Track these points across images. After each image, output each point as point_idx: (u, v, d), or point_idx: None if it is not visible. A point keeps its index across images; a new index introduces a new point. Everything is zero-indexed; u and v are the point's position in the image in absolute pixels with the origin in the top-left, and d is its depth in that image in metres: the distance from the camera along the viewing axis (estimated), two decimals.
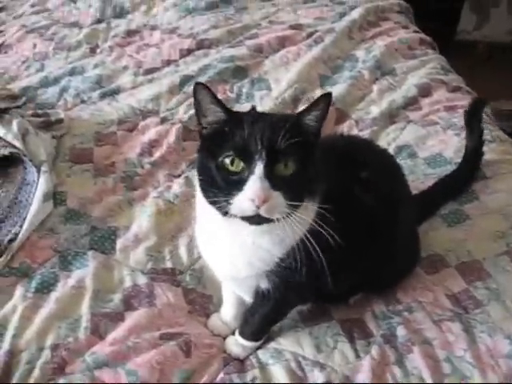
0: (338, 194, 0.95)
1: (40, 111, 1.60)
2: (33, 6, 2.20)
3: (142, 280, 1.20)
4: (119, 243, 1.28)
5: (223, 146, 0.84)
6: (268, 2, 2.29)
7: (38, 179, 1.36)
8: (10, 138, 1.44)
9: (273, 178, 0.82)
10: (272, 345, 1.09)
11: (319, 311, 1.14)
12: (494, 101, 2.14)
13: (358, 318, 1.13)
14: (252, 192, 0.81)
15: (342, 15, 2.15)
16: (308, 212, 0.89)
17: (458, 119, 1.60)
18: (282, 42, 1.97)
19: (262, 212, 0.82)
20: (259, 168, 0.82)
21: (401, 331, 1.09)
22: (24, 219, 1.28)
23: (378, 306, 1.15)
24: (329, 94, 0.87)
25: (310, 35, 2.01)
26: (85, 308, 1.13)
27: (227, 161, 0.83)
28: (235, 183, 0.83)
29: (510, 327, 1.08)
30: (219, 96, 1.67)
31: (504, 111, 2.65)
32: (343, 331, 1.10)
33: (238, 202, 0.83)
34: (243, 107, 1.67)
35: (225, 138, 0.84)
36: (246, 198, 0.81)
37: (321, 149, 1.01)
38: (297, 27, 2.07)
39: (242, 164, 0.83)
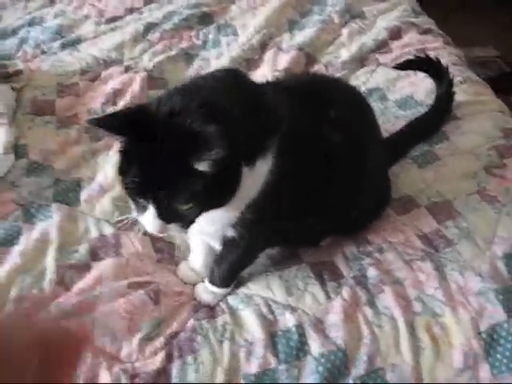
0: (305, 134, 0.93)
1: None
2: None
3: (109, 230, 1.17)
4: (84, 194, 1.25)
5: (128, 172, 0.81)
6: None
7: None
8: None
9: (166, 215, 0.82)
10: (242, 290, 1.08)
11: (289, 255, 1.12)
12: (467, 47, 2.11)
13: (328, 260, 1.12)
14: (148, 226, 0.84)
15: None
16: (258, 173, 0.87)
17: None
18: None
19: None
20: (151, 209, 0.81)
21: (372, 272, 1.09)
22: None
23: (349, 247, 1.14)
24: (220, 132, 0.75)
25: None
26: (50, 260, 1.10)
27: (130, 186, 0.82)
28: (139, 205, 0.84)
29: (481, 265, 1.08)
30: (185, 44, 1.64)
31: (478, 58, 2.63)
32: (313, 274, 1.09)
33: (142, 221, 0.85)
34: (210, 54, 1.63)
35: (130, 164, 0.81)
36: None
37: (287, 87, 0.98)
38: None
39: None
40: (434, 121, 1.39)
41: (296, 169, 0.88)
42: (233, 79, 0.92)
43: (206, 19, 1.74)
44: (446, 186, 1.25)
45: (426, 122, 1.38)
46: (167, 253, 1.16)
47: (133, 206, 0.86)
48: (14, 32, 1.68)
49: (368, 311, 1.02)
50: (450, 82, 1.40)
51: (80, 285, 1.07)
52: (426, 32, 1.72)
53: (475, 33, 2.88)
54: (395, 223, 1.18)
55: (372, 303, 1.03)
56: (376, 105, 1.45)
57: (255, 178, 0.87)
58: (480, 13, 3.04)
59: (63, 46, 1.63)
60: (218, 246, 1.04)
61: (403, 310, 1.02)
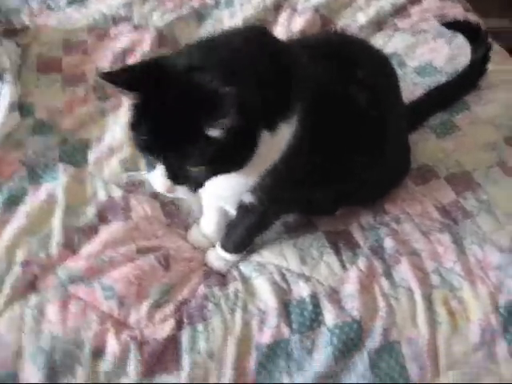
0: (332, 96, 0.88)
1: (2, 18, 1.48)
2: None
3: (117, 193, 1.13)
4: (92, 155, 1.21)
5: (139, 128, 0.77)
6: None
7: (2, 89, 1.27)
8: None
9: (175, 175, 0.78)
10: (255, 258, 1.05)
11: (304, 223, 1.09)
12: (483, 18, 2.04)
13: (343, 229, 1.09)
14: (156, 184, 0.80)
15: None
16: (280, 138, 0.83)
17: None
18: None
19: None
20: (160, 167, 0.78)
21: (388, 242, 1.05)
22: None
23: (365, 217, 1.11)
24: (238, 96, 0.70)
25: None
26: (56, 222, 1.07)
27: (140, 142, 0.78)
28: (149, 161, 0.80)
29: (501, 238, 1.05)
30: (196, 3, 1.58)
31: (494, 29, 2.56)
32: (329, 243, 1.05)
33: (151, 179, 0.80)
34: (223, 14, 1.57)
35: (141, 120, 0.77)
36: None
37: (312, 46, 0.94)
38: None
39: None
40: (457, 90, 1.34)
41: (321, 132, 0.84)
42: (258, 37, 0.87)
43: None
44: (466, 156, 1.21)
45: (447, 90, 1.33)
46: (177, 217, 1.13)
47: (144, 162, 0.83)
48: None
49: (384, 282, 0.99)
50: (488, 50, 1.34)
51: (88, 248, 1.04)
52: None
53: (492, 3, 2.81)
54: (413, 194, 1.14)
55: (389, 274, 1.00)
56: None
57: (277, 142, 0.82)
58: None
59: (70, 2, 1.58)
60: (233, 211, 1.00)
61: (420, 283, 0.99)
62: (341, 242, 1.06)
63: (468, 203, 1.12)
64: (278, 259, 1.04)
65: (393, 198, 1.14)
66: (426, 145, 1.25)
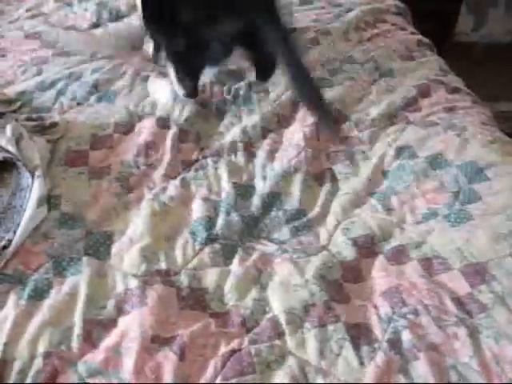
0: None
1: (35, 115, 1.57)
2: (29, 10, 2.16)
3: (134, 283, 1.17)
4: (114, 248, 1.25)
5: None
6: None
7: (32, 184, 1.34)
8: (3, 143, 1.41)
9: None
10: (277, 342, 1.06)
11: (326, 310, 1.11)
12: (493, 102, 2.11)
13: (364, 322, 1.10)
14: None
15: (338, 17, 2.13)
16: None
17: (459, 120, 1.58)
18: None
19: None
20: None
21: (406, 335, 1.06)
22: (18, 225, 1.26)
23: (384, 308, 1.13)
24: None
25: (305, 37, 1.97)
26: (78, 315, 1.10)
27: None
28: None
29: None
30: (216, 99, 1.67)
31: (504, 113, 2.63)
32: (348, 335, 1.07)
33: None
34: (241, 110, 1.65)
35: None
36: None
37: None
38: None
39: None
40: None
41: None
42: None
43: (237, 75, 1.77)
44: (479, 247, 1.22)
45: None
46: (192, 298, 1.16)
47: None
48: (53, 85, 1.72)
49: (402, 379, 0.99)
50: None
51: (107, 341, 1.06)
52: (454, 91, 1.73)
53: (501, 87, 2.90)
54: (429, 285, 1.16)
55: (406, 371, 1.00)
56: (406, 162, 1.46)
57: None
58: (505, 67, 3.07)
59: (99, 99, 1.67)
60: None
61: (438, 379, 0.99)
62: (360, 336, 1.07)
63: (483, 296, 1.13)
64: (299, 350, 1.05)
65: (410, 288, 1.15)
66: (440, 235, 1.28)
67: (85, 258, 1.22)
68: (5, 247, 1.21)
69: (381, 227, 1.31)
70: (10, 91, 1.70)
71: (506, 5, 3.18)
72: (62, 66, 1.84)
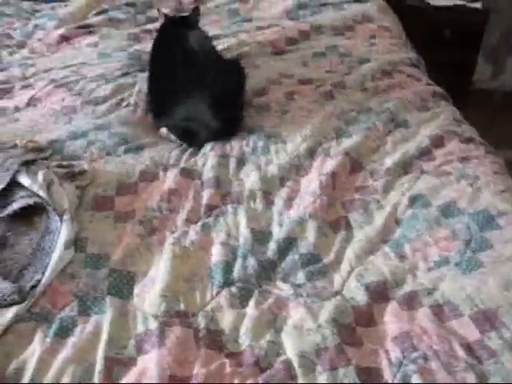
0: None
1: (65, 162, 1.66)
2: (62, 61, 2.27)
3: (154, 324, 1.22)
4: (137, 288, 1.32)
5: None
6: (278, 56, 2.33)
7: (61, 227, 1.41)
8: (35, 188, 1.50)
9: None
10: None
11: (338, 351, 1.15)
12: (509, 149, 2.14)
13: (374, 366, 1.14)
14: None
15: (351, 68, 2.20)
16: None
17: (472, 170, 1.62)
18: (291, 97, 2.02)
19: None
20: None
21: (416, 380, 1.09)
22: (46, 266, 1.33)
23: (395, 352, 1.16)
24: None
25: (320, 89, 2.06)
26: (100, 353, 1.15)
27: None
28: None
29: None
30: (235, 150, 1.75)
31: None
32: (359, 379, 1.10)
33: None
34: (260, 160, 1.72)
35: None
36: None
37: None
38: (306, 82, 2.12)
39: None
40: None
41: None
42: None
43: (254, 129, 1.85)
44: (490, 294, 1.26)
45: None
46: (209, 339, 1.20)
47: None
48: (83, 135, 1.80)
49: None
50: None
51: (126, 379, 1.11)
52: (468, 141, 1.78)
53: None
54: (440, 330, 1.19)
55: None
56: (420, 211, 1.50)
57: None
58: None
59: (127, 150, 1.75)
60: None
61: None
62: (370, 379, 1.11)
63: (492, 342, 1.16)
64: None
65: (421, 333, 1.19)
66: (451, 282, 1.31)
67: (108, 298, 1.28)
68: (34, 287, 1.28)
69: (393, 274, 1.35)
70: (42, 139, 1.79)
71: None
72: (91, 116, 1.94)
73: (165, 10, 2.48)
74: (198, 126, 1.80)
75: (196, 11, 2.11)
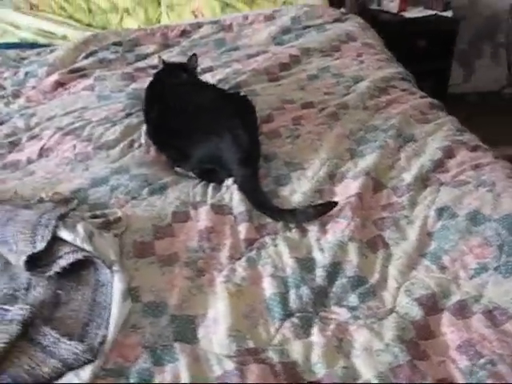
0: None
1: (98, 212, 1.67)
2: (63, 108, 2.28)
3: (231, 365, 1.25)
4: (200, 331, 1.34)
5: None
6: (273, 82, 2.41)
7: (112, 279, 1.43)
8: (78, 241, 1.50)
9: None
10: None
11: (412, 369, 1.21)
12: (493, 147, 2.25)
13: (448, 377, 1.21)
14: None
15: (348, 88, 2.30)
16: None
17: (487, 176, 1.72)
18: (298, 121, 2.09)
19: None
20: None
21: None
22: (107, 320, 1.34)
23: (462, 361, 1.23)
24: None
25: (324, 112, 2.14)
26: None
27: None
28: None
29: None
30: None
31: (505, 157, 2.79)
32: None
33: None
34: (284, 189, 1.78)
35: None
36: None
37: None
38: (309, 105, 2.20)
39: None
40: None
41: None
42: None
43: (270, 156, 1.91)
44: None
45: None
46: (284, 372, 1.23)
47: None
48: (105, 181, 1.81)
49: None
50: None
51: None
52: (475, 149, 1.89)
53: (498, 132, 3.07)
54: (497, 334, 1.27)
55: None
56: (448, 222, 1.59)
57: None
58: (498, 113, 3.27)
59: (151, 192, 1.77)
60: None
61: None
62: None
63: None
64: None
65: (479, 339, 1.27)
66: (495, 287, 1.40)
67: (176, 344, 1.30)
68: (101, 343, 1.29)
69: (439, 285, 1.43)
70: (64, 189, 1.79)
71: (491, 53, 3.43)
72: (106, 160, 1.96)
73: (151, 48, 2.54)
74: (220, 164, 1.83)
75: (193, 58, 2.19)
